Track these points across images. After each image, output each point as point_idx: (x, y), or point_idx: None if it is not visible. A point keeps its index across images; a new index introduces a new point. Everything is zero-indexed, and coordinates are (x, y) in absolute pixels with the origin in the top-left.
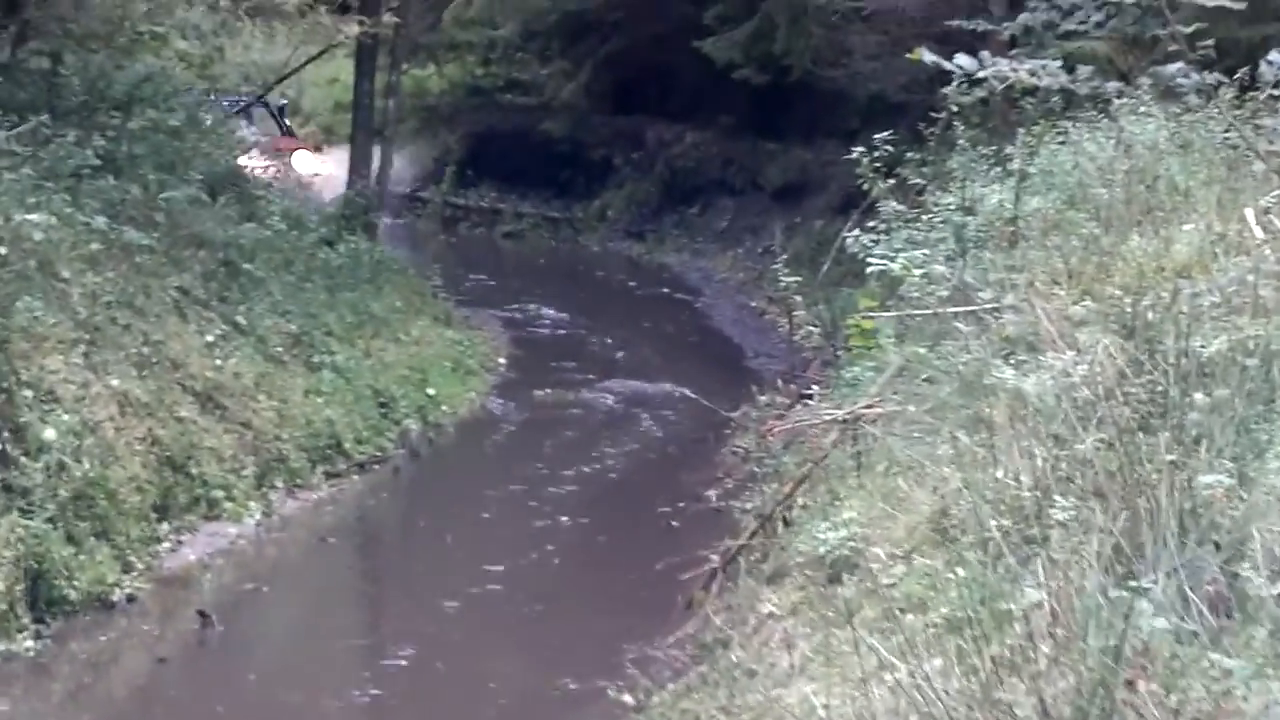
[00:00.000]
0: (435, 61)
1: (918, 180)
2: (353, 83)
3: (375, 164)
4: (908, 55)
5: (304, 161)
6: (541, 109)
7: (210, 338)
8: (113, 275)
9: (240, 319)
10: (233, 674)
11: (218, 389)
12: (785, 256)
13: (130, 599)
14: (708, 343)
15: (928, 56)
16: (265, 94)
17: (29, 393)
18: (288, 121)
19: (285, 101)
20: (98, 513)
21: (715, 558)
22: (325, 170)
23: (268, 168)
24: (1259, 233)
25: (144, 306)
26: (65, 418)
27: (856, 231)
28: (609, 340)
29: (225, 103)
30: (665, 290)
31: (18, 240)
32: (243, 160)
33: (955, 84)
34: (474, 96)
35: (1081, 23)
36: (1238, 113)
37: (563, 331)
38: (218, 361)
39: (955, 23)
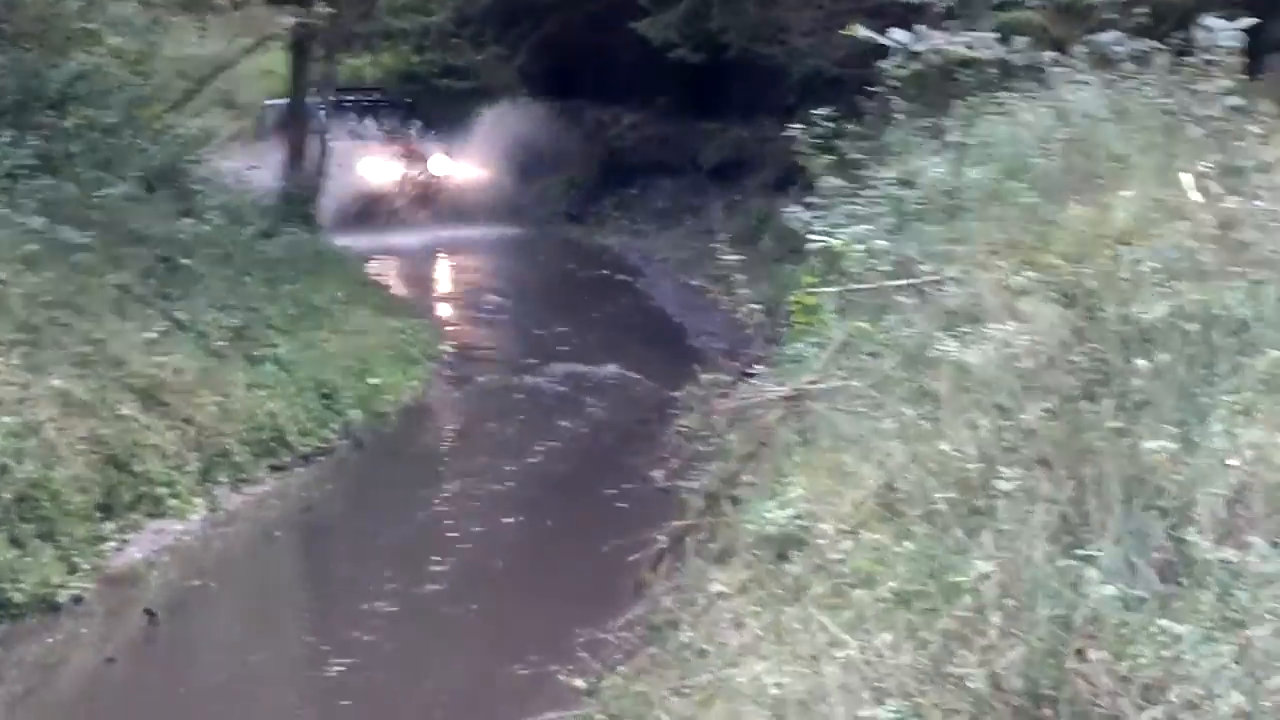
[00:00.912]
0: (370, 50)
1: (856, 155)
2: (289, 74)
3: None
4: (844, 30)
5: (440, 164)
6: (478, 93)
7: (151, 334)
8: (51, 275)
9: (180, 314)
10: (181, 672)
11: (159, 386)
12: (725, 235)
13: (77, 600)
14: (650, 323)
15: (863, 32)
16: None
17: None
18: (418, 121)
19: (410, 100)
20: (41, 514)
21: (663, 538)
22: (463, 172)
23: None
24: (1197, 197)
25: (83, 305)
26: (6, 420)
27: (796, 208)
28: (551, 323)
29: (350, 101)
30: (606, 272)
31: None
32: (366, 161)
33: (892, 58)
34: (410, 83)
35: None
36: (1173, 78)
37: (505, 316)
38: (159, 358)
39: None
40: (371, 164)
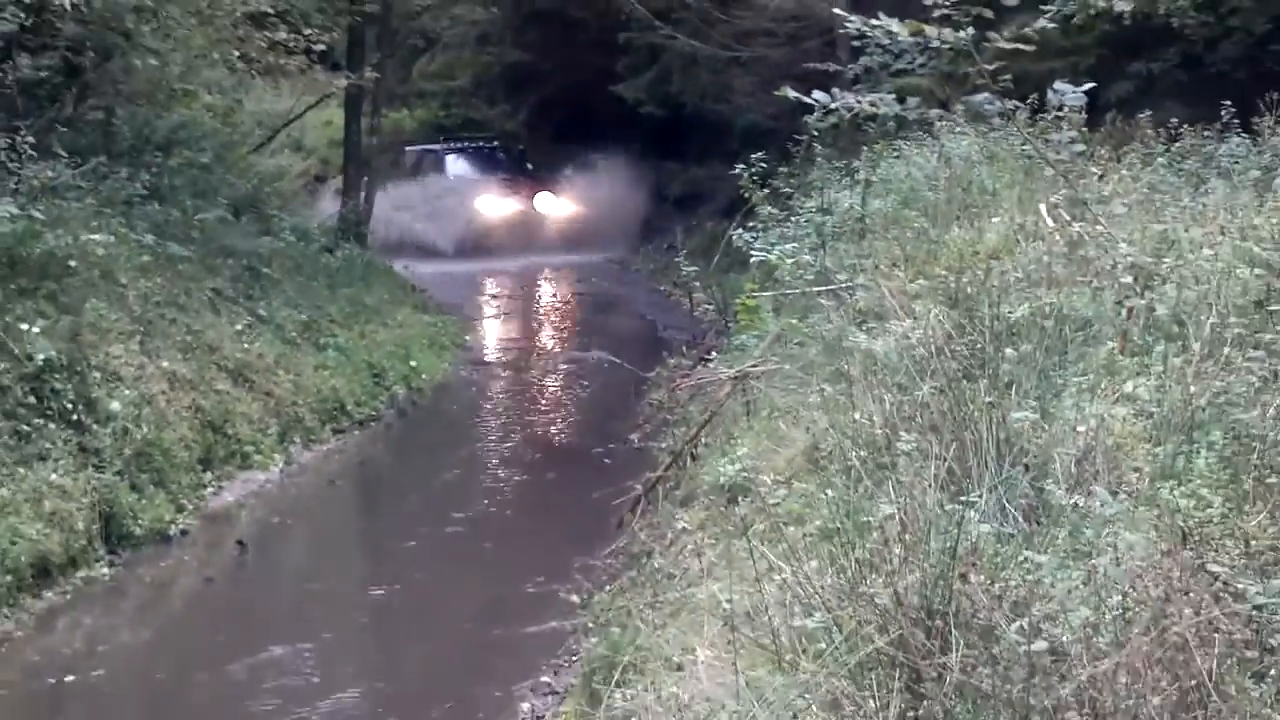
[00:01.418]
0: (407, 106)
1: (786, 189)
2: (343, 124)
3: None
4: (775, 92)
5: (546, 202)
6: (492, 140)
7: (239, 327)
8: (160, 280)
9: (261, 311)
10: (265, 588)
11: (246, 367)
12: (685, 251)
13: (183, 533)
14: (627, 319)
15: (791, 93)
16: (503, 139)
17: (98, 374)
18: (529, 165)
19: (523, 147)
20: (155, 466)
21: (639, 487)
22: (565, 210)
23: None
24: (1050, 223)
25: (185, 304)
26: (126, 392)
27: (740, 230)
28: (551, 319)
29: (470, 146)
30: (593, 280)
31: (85, 255)
32: (482, 198)
33: (813, 114)
34: (438, 133)
35: (909, 64)
36: (1031, 130)
37: (514, 313)
38: (245, 345)
39: (811, 65)
40: (486, 201)
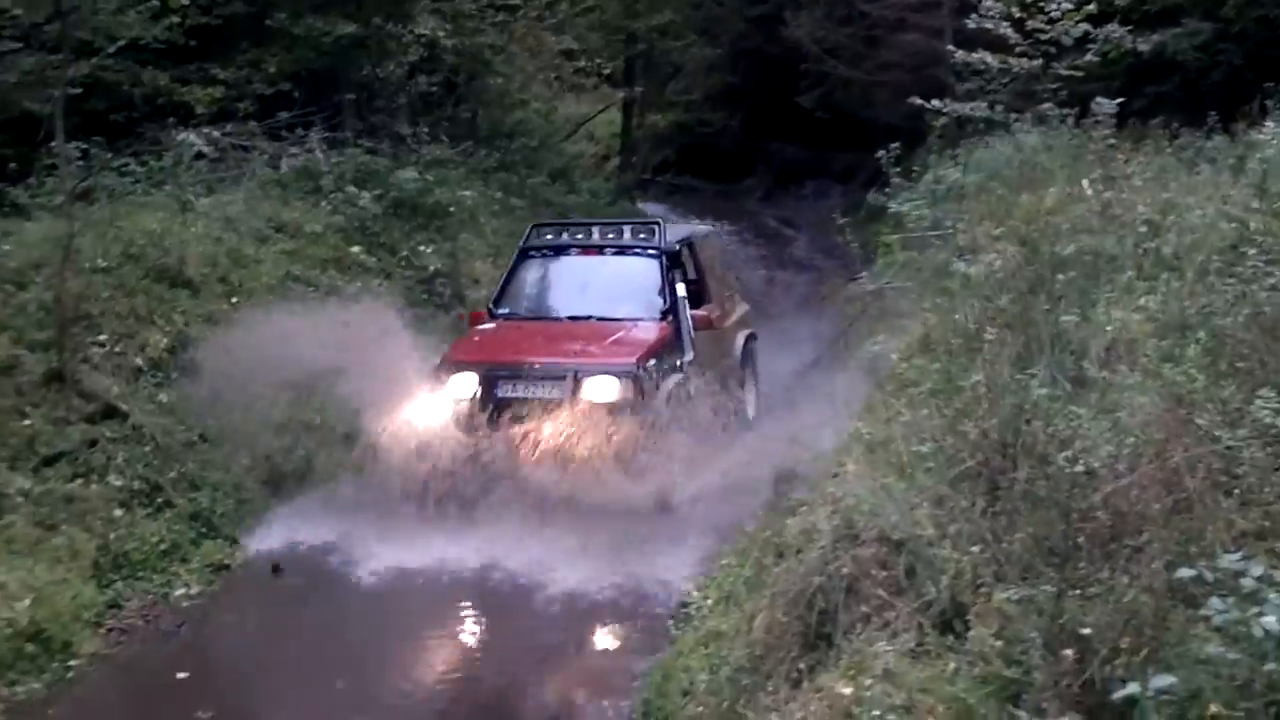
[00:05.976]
0: (660, 111)
1: (912, 168)
2: (621, 123)
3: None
4: (907, 100)
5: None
6: (715, 134)
7: None
8: (505, 221)
9: None
10: None
11: None
12: (840, 209)
13: None
14: (808, 254)
15: (917, 101)
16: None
17: (465, 279)
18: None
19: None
20: None
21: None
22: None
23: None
24: (1090, 192)
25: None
26: (482, 291)
27: (877, 193)
28: (764, 254)
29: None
30: (785, 230)
31: (459, 204)
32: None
33: (931, 116)
34: (680, 130)
35: (996, 84)
36: (1077, 129)
37: (735, 248)
38: None
39: (930, 81)
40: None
